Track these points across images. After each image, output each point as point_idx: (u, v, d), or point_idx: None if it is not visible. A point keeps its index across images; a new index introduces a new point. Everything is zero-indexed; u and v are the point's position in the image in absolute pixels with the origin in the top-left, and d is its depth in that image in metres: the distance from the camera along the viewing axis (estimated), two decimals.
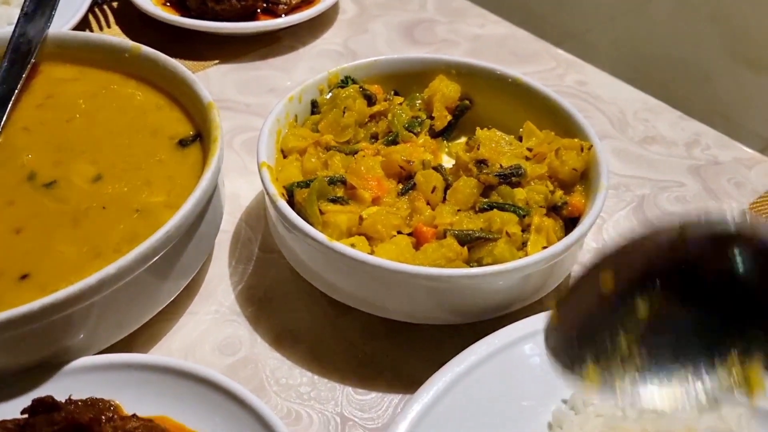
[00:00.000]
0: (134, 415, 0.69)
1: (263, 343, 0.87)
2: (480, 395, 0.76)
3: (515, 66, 1.19)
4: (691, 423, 0.71)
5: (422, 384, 0.79)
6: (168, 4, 1.39)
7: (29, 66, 1.01)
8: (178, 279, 0.86)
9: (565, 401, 0.76)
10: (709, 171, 1.15)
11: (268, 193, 0.85)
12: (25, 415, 0.66)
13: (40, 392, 0.70)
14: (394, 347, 0.87)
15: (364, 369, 0.85)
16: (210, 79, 1.28)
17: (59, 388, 0.72)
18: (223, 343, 0.87)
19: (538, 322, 0.80)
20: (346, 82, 1.02)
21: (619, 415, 0.73)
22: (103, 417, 0.65)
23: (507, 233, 0.83)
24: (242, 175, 1.09)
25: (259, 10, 1.38)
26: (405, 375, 0.84)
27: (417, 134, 1.00)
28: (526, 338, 0.80)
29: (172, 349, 0.86)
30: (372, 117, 1.01)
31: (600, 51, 2.76)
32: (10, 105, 0.97)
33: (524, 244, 0.85)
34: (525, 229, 0.86)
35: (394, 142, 0.96)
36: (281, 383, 0.83)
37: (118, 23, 1.39)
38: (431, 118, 1.02)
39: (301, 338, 0.88)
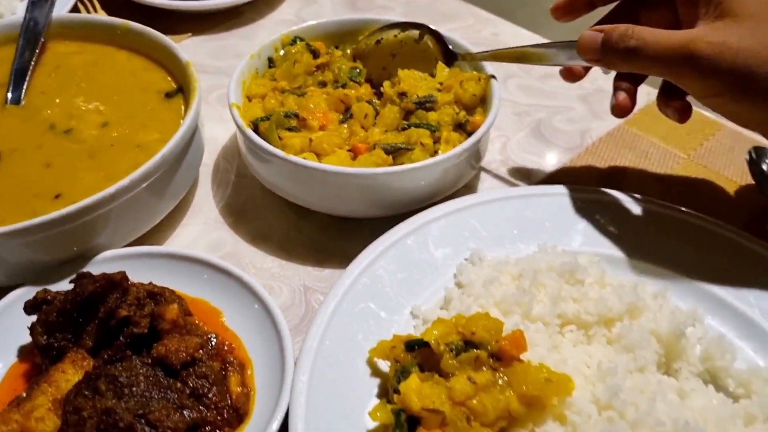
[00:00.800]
0: (150, 282, 0.95)
1: (242, 241, 1.14)
2: (403, 260, 1.02)
3: (440, 23, 1.44)
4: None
5: None
6: None
7: (40, 44, 1.26)
8: (172, 197, 1.12)
9: (466, 259, 1.03)
10: (595, 97, 1.42)
11: (238, 126, 1.11)
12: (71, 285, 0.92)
13: None
14: (342, 238, 1.14)
15: (320, 254, 1.12)
16: (185, 50, 1.51)
17: (92, 271, 0.98)
18: (212, 244, 1.13)
19: (443, 208, 1.08)
20: (295, 41, 1.28)
21: (503, 261, 1.00)
22: (129, 278, 0.91)
23: (421, 143, 1.10)
24: (218, 123, 1.34)
25: None
26: (351, 256, 1.10)
27: (359, 83, 1.26)
28: (436, 219, 1.07)
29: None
30: (318, 67, 1.27)
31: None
32: (28, 75, 1.22)
33: (436, 152, 1.12)
34: (437, 141, 1.13)
35: (343, 87, 1.22)
36: (258, 267, 1.10)
37: (103, 8, 1.64)
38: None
39: (272, 237, 1.15)
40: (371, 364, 0.90)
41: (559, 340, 0.90)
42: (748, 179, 1.21)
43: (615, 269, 1.01)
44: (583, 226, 1.07)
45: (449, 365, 0.82)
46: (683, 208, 1.07)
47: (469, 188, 1.22)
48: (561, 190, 1.11)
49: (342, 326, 0.92)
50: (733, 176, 1.25)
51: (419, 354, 0.86)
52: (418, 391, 0.78)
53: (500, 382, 0.79)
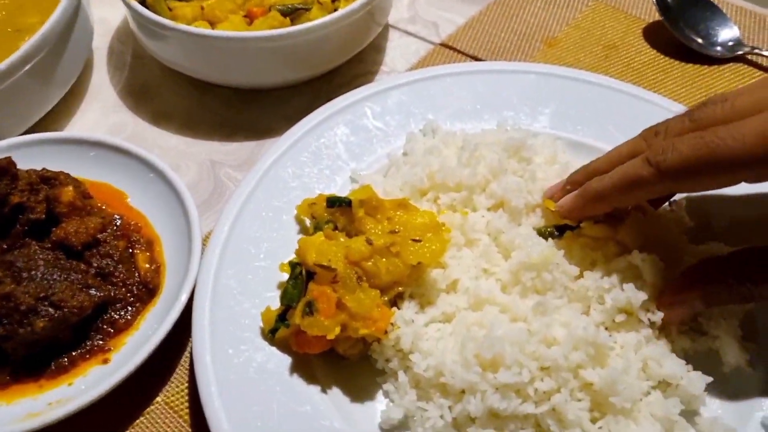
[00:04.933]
0: (43, 168, 0.91)
1: (144, 123, 1.09)
2: (330, 141, 0.97)
3: None
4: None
5: (272, 132, 1.04)
6: None
7: None
8: (61, 83, 1.06)
9: (421, 129, 0.99)
10: None
11: (124, 1, 1.04)
12: None
13: None
14: (248, 110, 1.11)
15: (226, 128, 1.08)
16: None
17: None
18: (113, 127, 1.09)
19: (373, 87, 1.02)
20: None
21: (453, 133, 0.96)
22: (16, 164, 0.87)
23: (318, 2, 1.05)
24: (107, 5, 1.26)
25: None
26: (258, 129, 1.08)
27: None
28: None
29: None
30: None
31: None
32: None
33: (336, 11, 1.07)
34: (335, 0, 1.08)
35: None
36: (162, 147, 1.06)
37: None
38: None
39: (175, 116, 1.10)
40: (300, 221, 0.89)
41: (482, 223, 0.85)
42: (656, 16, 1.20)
43: (576, 154, 0.94)
44: (552, 108, 1.01)
45: (359, 220, 0.82)
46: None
47: (376, 48, 1.19)
48: (534, 68, 1.06)
49: (271, 189, 0.90)
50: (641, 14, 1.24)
51: (340, 214, 0.85)
52: (317, 246, 0.77)
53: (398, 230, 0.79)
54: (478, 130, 0.98)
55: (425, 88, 1.04)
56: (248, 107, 1.11)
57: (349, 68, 1.16)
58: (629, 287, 0.74)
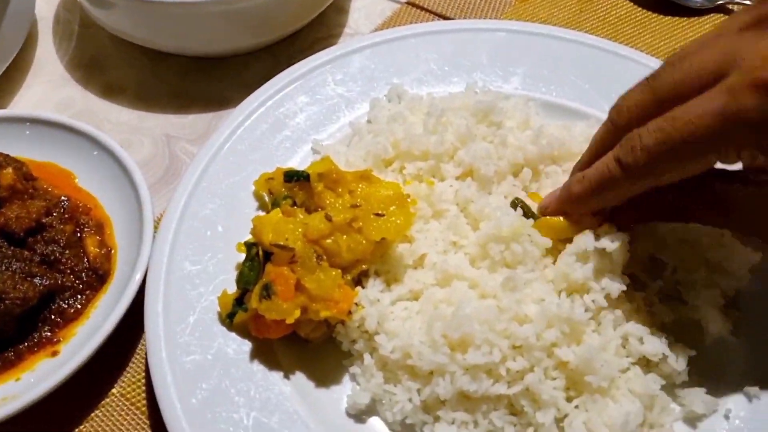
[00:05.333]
0: None
1: (94, 96, 1.03)
2: (289, 110, 0.92)
3: None
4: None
5: (231, 102, 0.98)
6: None
7: None
8: (2, 56, 0.99)
9: (385, 95, 0.93)
10: None
11: None
12: None
13: None
14: (205, 80, 1.04)
15: (181, 100, 1.02)
16: None
17: None
18: (60, 103, 1.02)
19: (334, 51, 0.96)
20: None
21: (419, 98, 0.91)
22: None
23: None
24: None
25: None
26: (216, 99, 1.02)
27: None
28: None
29: None
30: None
31: None
32: None
33: None
34: None
35: None
36: (113, 122, 1.00)
37: None
38: None
39: (127, 88, 1.04)
40: (259, 198, 0.84)
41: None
42: None
43: (550, 116, 0.90)
44: (524, 68, 0.95)
45: (318, 194, 0.77)
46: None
47: (338, 9, 1.12)
48: (505, 25, 1.00)
49: (227, 165, 0.85)
50: None
51: (298, 189, 0.79)
52: (273, 225, 0.72)
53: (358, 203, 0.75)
54: (446, 93, 0.92)
55: (390, 50, 0.98)
56: (205, 77, 1.05)
57: (310, 31, 1.09)
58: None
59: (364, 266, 0.74)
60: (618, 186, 0.64)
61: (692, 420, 0.69)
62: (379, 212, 0.74)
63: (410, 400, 0.69)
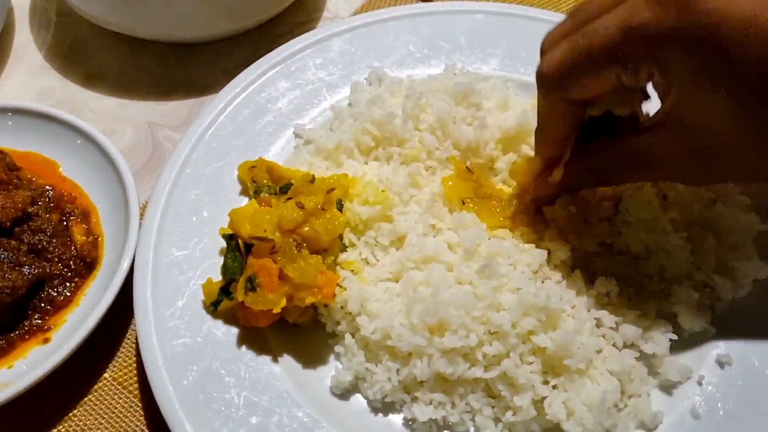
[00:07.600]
0: None
1: (74, 85, 1.03)
2: (271, 95, 0.92)
3: None
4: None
5: (212, 88, 0.99)
6: None
7: None
8: None
9: (365, 78, 0.94)
10: None
11: None
12: None
13: None
14: (185, 66, 1.05)
15: (162, 87, 1.03)
16: None
17: None
18: (40, 92, 1.02)
19: (313, 35, 0.97)
20: None
21: (398, 81, 0.92)
22: None
23: None
24: None
25: None
26: (197, 85, 1.03)
27: None
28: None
29: None
30: None
31: None
32: None
33: None
34: None
35: None
36: (95, 110, 1.00)
37: None
38: None
39: (107, 76, 1.04)
40: (243, 182, 0.85)
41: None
42: None
43: (530, 96, 0.88)
44: (502, 49, 0.96)
45: (297, 185, 0.78)
46: None
47: None
48: (483, 6, 1.01)
49: (211, 151, 0.86)
50: None
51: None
52: (250, 217, 0.73)
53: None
54: (426, 76, 0.93)
55: (369, 34, 0.99)
56: (185, 63, 1.05)
57: (290, 16, 1.10)
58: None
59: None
60: (541, 108, 0.71)
61: (668, 387, 0.72)
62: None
63: (389, 379, 0.71)
